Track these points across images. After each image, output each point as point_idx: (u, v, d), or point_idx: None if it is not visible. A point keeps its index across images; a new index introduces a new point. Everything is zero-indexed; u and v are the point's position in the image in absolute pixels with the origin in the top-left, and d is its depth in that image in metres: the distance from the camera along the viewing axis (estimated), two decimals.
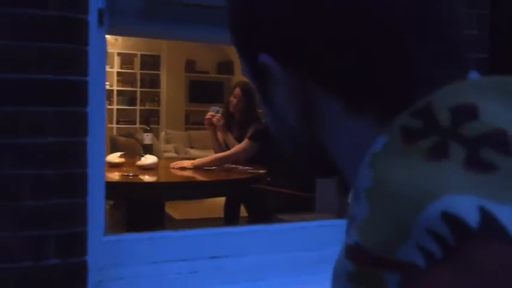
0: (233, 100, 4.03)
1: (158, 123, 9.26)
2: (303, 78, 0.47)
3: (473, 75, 0.47)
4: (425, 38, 0.44)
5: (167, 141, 8.56)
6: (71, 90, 1.45)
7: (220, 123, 3.91)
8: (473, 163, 0.38)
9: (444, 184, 0.37)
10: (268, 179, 3.60)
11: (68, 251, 1.46)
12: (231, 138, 3.97)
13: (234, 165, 3.84)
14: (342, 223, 1.52)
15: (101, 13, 1.55)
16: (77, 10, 1.44)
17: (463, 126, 0.39)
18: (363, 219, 0.39)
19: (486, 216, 0.35)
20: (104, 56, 1.57)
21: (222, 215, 4.10)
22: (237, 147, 3.81)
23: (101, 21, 1.56)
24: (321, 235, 1.94)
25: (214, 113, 3.97)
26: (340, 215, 2.58)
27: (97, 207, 1.56)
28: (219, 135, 4.03)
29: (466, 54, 0.47)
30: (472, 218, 0.35)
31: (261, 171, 3.62)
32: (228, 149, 3.99)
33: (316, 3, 0.44)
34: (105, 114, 1.63)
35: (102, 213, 1.60)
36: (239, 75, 8.04)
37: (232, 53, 8.31)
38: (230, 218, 4.07)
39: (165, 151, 7.69)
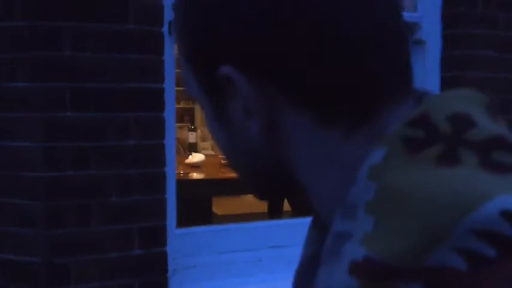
0: None
1: (193, 122, 9.43)
2: (268, 91, 0.45)
3: (425, 88, 0.49)
4: (387, 52, 0.45)
5: (203, 139, 8.72)
6: (150, 97, 1.59)
7: None
8: (490, 165, 0.38)
9: (486, 186, 0.37)
10: None
11: (150, 242, 1.60)
12: None
13: None
14: None
15: (170, 25, 1.69)
16: (153, 23, 1.58)
17: (466, 133, 0.40)
18: (368, 233, 0.38)
19: None
20: (173, 64, 1.71)
21: (263, 209, 4.22)
22: None
23: (170, 32, 1.69)
24: None
25: None
26: None
27: (170, 202, 1.70)
28: None
29: (412, 69, 0.48)
30: None
31: None
32: None
33: (287, 18, 0.43)
34: (175, 118, 1.77)
35: (174, 208, 1.74)
36: None
37: None
38: (274, 212, 4.19)
39: (203, 148, 7.85)
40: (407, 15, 2.23)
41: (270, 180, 0.50)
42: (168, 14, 1.65)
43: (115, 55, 1.54)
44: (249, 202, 5.05)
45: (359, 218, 0.39)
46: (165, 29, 1.63)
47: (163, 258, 1.63)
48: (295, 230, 1.97)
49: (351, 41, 0.44)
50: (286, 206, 4.16)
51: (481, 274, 0.35)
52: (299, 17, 0.43)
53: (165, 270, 1.63)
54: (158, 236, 1.62)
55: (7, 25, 1.51)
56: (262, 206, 4.25)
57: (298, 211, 3.95)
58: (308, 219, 2.01)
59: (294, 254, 2.04)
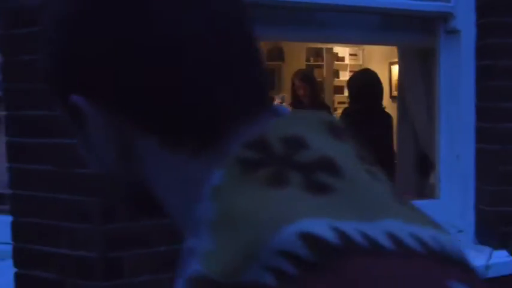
0: (298, 88, 4.15)
1: None
2: (118, 118, 0.47)
3: (281, 108, 0.50)
4: (230, 77, 0.46)
5: None
6: None
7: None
8: (311, 186, 0.41)
9: (293, 209, 0.39)
10: None
11: None
12: None
13: None
14: (423, 204, 1.64)
15: None
16: None
17: (296, 155, 0.42)
18: (207, 251, 0.40)
19: (341, 235, 0.38)
20: None
21: None
22: None
23: None
24: None
25: (280, 101, 4.12)
26: (420, 195, 2.69)
27: None
28: None
29: (266, 90, 0.50)
30: (331, 237, 0.38)
31: None
32: None
33: (128, 49, 0.45)
34: None
35: None
36: (290, 63, 8.13)
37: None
38: None
39: None
40: (441, 6, 2.24)
41: (137, 200, 0.52)
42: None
43: None
44: None
45: (202, 236, 0.42)
46: None
47: None
48: None
49: (189, 67, 0.45)
50: None
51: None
52: (134, 51, 0.45)
53: None
54: None
55: None
56: None
57: None
58: None
59: None
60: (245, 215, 0.40)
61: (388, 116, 3.55)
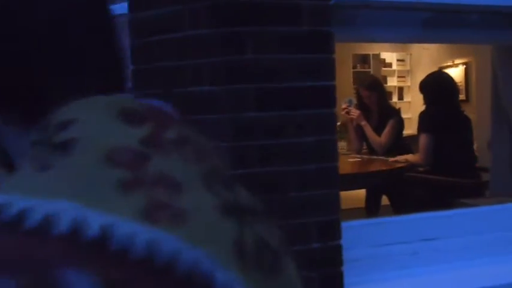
0: (365, 97, 4.13)
1: None
2: None
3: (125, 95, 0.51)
4: (60, 65, 0.49)
5: None
6: (323, 95, 1.65)
7: (357, 113, 4.03)
8: (38, 165, 0.41)
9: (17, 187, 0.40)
10: (421, 169, 3.69)
11: (326, 236, 1.66)
12: (369, 128, 4.08)
13: (375, 156, 3.98)
14: None
15: None
16: (323, 24, 1.64)
17: (54, 137, 0.43)
18: None
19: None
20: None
21: (361, 205, 4.23)
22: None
23: None
24: None
25: (347, 105, 4.11)
26: None
27: None
28: (350, 126, 4.15)
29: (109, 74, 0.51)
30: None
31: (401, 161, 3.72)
32: (364, 140, 4.12)
33: None
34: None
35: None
36: (338, 69, 8.08)
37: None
38: (371, 207, 4.20)
39: None
40: None
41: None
42: (335, 13, 1.71)
43: (291, 56, 1.61)
44: (344, 197, 5.07)
45: None
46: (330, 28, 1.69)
47: (338, 251, 1.69)
48: (447, 222, 1.99)
49: (20, 58, 0.47)
50: (385, 200, 4.16)
51: None
52: None
53: (340, 263, 1.69)
54: (333, 230, 1.68)
55: (193, 33, 1.60)
56: (360, 202, 4.27)
57: (396, 206, 3.96)
58: (464, 211, 2.02)
59: (449, 246, 2.07)
60: None
61: (468, 119, 3.51)
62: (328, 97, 1.66)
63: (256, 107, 1.60)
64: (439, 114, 3.31)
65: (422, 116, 3.52)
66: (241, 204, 0.43)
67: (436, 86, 3.49)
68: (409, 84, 9.23)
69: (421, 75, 7.00)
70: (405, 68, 9.24)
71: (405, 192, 3.86)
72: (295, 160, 1.63)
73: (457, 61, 7.64)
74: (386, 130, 3.98)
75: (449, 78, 3.66)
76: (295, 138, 1.62)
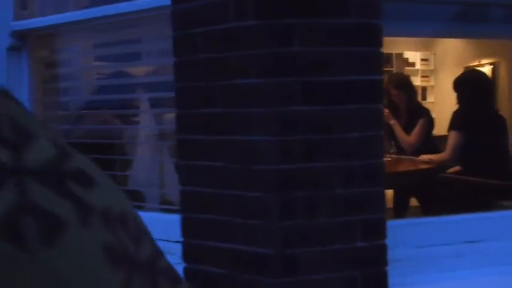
0: (394, 96, 4.07)
1: None
2: None
3: None
4: None
5: None
6: (369, 89, 1.61)
7: (386, 112, 3.96)
8: None
9: None
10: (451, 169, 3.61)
11: (371, 234, 1.62)
12: (398, 127, 4.01)
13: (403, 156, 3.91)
14: None
15: None
16: (371, 16, 1.59)
17: None
18: None
19: None
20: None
21: (389, 205, 4.17)
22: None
23: None
24: None
25: None
26: None
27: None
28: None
29: None
30: None
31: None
32: (393, 139, 4.05)
33: None
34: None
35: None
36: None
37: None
38: (400, 208, 4.13)
39: None
40: None
41: None
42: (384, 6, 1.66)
43: (339, 49, 1.57)
44: None
45: None
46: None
47: (382, 250, 1.64)
48: (493, 224, 1.93)
49: None
50: (413, 201, 4.09)
51: None
52: None
53: (384, 263, 1.64)
54: (378, 229, 1.63)
55: (239, 25, 1.57)
56: (388, 202, 4.20)
57: (426, 207, 3.89)
58: (504, 214, 1.94)
59: (494, 249, 2.00)
60: None
61: (503, 119, 3.43)
62: (375, 92, 1.62)
63: (302, 100, 1.56)
64: (472, 113, 3.23)
65: (455, 114, 3.44)
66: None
67: (471, 84, 3.41)
68: (432, 84, 9.10)
69: (445, 76, 6.87)
70: (429, 67, 9.11)
71: (436, 193, 3.79)
72: (340, 156, 1.59)
73: (483, 61, 7.50)
74: (416, 129, 3.91)
75: (484, 77, 3.58)
76: (340, 133, 1.58)
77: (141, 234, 0.42)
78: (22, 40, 2.45)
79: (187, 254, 1.73)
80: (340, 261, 1.60)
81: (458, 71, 6.78)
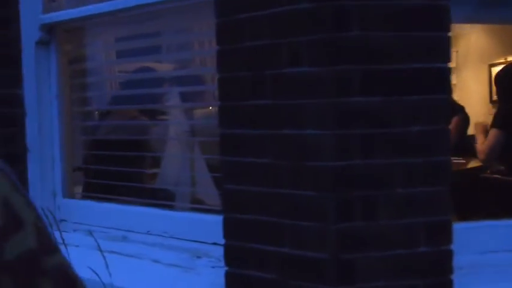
0: None
1: None
2: None
3: None
4: None
5: None
6: (436, 78, 1.46)
7: None
8: None
9: None
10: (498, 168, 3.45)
11: (436, 239, 1.47)
12: None
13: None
14: None
15: None
16: None
17: None
18: None
19: None
20: None
21: None
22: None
23: None
24: None
25: None
26: None
27: None
28: None
29: None
30: None
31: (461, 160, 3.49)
32: None
33: None
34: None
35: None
36: None
37: None
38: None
39: None
40: None
41: None
42: None
43: (402, 33, 1.42)
44: None
45: None
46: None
47: (448, 257, 1.49)
48: None
49: None
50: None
51: None
52: None
53: (450, 271, 1.49)
54: (443, 232, 1.48)
55: (289, 9, 1.43)
56: None
57: (466, 210, 3.72)
58: None
59: None
60: None
61: None
62: (443, 81, 1.47)
63: (361, 91, 1.42)
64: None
65: (496, 111, 3.28)
66: None
67: (510, 77, 3.24)
68: (455, 82, 8.90)
69: (468, 73, 6.65)
70: (451, 65, 8.93)
71: (477, 194, 3.62)
72: (402, 152, 1.44)
73: (510, 58, 7.28)
74: (451, 127, 3.74)
75: None
76: (403, 127, 1.43)
77: (12, 228, 0.40)
78: (50, 33, 2.35)
79: (230, 257, 1.60)
80: (401, 268, 1.45)
81: (482, 69, 6.58)
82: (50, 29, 2.33)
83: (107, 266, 1.82)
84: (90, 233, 2.03)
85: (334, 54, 1.41)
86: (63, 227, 2.34)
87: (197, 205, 2.20)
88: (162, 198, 2.35)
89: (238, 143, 1.56)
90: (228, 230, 1.59)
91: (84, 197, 2.41)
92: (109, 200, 2.32)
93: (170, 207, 2.23)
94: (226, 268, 1.61)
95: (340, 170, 1.41)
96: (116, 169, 2.35)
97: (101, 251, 2.06)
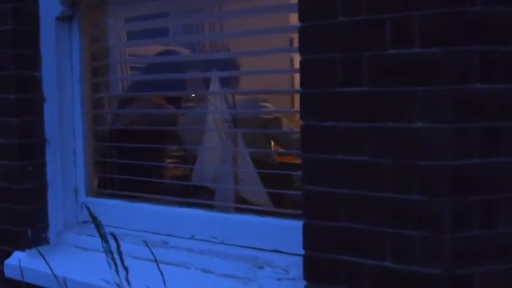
0: None
1: None
2: None
3: None
4: None
5: None
6: None
7: None
8: None
9: None
10: None
11: None
12: None
13: None
14: None
15: None
16: None
17: None
18: None
19: None
20: None
21: None
22: None
23: None
24: None
25: None
26: None
27: None
28: None
29: None
30: None
31: None
32: None
33: None
34: None
35: None
36: None
37: None
38: None
39: None
40: None
41: None
42: None
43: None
44: None
45: None
46: None
47: None
48: None
49: None
50: None
51: None
52: None
53: None
54: None
55: None
56: None
57: None
58: None
59: None
60: None
61: None
62: None
63: (483, 76, 1.20)
64: None
65: None
66: None
67: None
68: None
69: None
70: None
71: None
72: None
73: None
74: None
75: None
76: None
77: None
78: (73, 8, 2.07)
79: (311, 271, 1.38)
80: None
81: None
82: (72, 3, 2.05)
83: (154, 277, 1.59)
84: (117, 236, 1.76)
85: (451, 33, 1.18)
86: (87, 230, 2.09)
87: (241, 205, 1.97)
88: (198, 197, 2.12)
89: (326, 138, 1.33)
90: (311, 238, 1.37)
91: (109, 196, 2.15)
92: (136, 198, 2.07)
93: (210, 208, 1.99)
94: (305, 283, 1.39)
95: (458, 170, 1.19)
96: (149, 164, 2.11)
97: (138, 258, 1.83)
